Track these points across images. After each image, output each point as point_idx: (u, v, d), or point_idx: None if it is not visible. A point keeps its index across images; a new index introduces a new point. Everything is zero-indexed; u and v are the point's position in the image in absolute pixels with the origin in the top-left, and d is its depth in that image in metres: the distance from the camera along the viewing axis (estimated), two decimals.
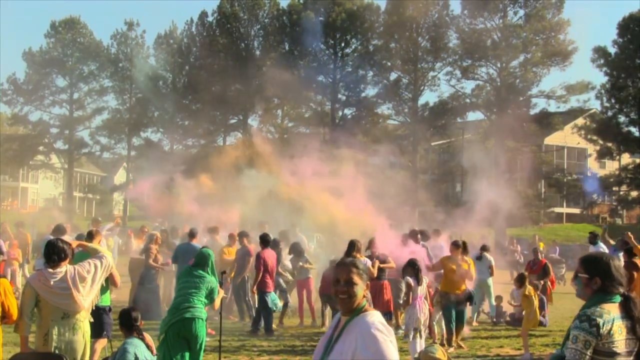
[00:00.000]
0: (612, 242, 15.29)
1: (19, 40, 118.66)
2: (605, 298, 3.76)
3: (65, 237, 13.86)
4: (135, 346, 6.37)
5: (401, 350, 9.25)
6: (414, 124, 45.71)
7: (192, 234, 13.39)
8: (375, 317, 3.52)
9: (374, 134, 46.77)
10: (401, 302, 11.19)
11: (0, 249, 14.99)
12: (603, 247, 14.26)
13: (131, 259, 15.38)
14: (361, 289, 3.58)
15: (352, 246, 10.96)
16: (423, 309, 9.96)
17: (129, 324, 6.60)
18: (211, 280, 7.62)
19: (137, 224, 23.55)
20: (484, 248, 14.72)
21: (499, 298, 14.55)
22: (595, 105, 46.44)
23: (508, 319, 14.05)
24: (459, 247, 11.38)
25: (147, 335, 6.71)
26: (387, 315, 11.42)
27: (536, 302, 11.13)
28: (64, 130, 53.27)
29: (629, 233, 12.93)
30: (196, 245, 12.60)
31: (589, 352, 3.66)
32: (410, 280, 10.10)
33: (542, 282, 14.33)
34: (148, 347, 6.55)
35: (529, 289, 11.16)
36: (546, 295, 14.58)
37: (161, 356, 7.13)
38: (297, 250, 13.92)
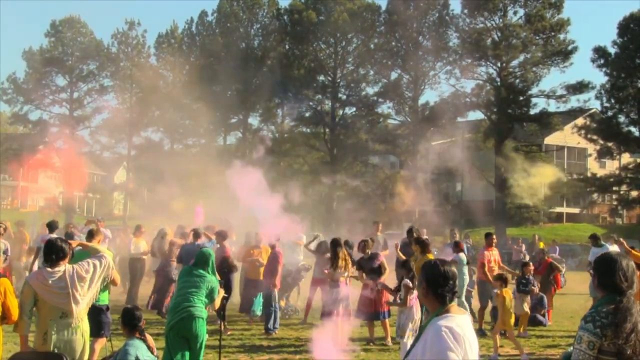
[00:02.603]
0: None
1: (19, 39, 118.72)
2: (614, 298, 3.72)
3: (57, 234, 14.00)
4: (137, 348, 6.34)
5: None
6: (414, 123, 45.72)
7: (196, 234, 13.34)
8: (446, 321, 3.43)
9: (374, 133, 46.85)
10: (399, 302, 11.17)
11: (6, 250, 14.92)
12: (608, 247, 14.00)
13: (130, 259, 15.38)
14: (416, 291, 3.61)
15: (336, 244, 11.12)
16: (418, 309, 9.97)
17: (132, 323, 6.57)
18: (211, 280, 7.61)
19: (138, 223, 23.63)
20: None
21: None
22: (595, 105, 46.53)
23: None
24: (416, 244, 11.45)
25: (148, 336, 6.69)
26: (383, 314, 11.47)
27: (509, 303, 11.01)
28: (64, 130, 53.24)
29: (621, 239, 13.02)
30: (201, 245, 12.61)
31: (593, 353, 3.63)
32: (409, 282, 10.13)
33: (538, 284, 14.22)
34: (149, 348, 6.52)
35: (504, 289, 11.10)
36: (549, 295, 14.53)
37: (163, 356, 7.12)
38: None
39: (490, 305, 12.91)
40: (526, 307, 12.66)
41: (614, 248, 13.97)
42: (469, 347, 3.44)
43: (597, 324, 3.64)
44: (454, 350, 3.35)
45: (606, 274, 3.78)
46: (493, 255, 13.27)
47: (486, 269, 12.91)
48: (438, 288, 3.53)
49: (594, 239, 14.59)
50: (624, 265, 3.77)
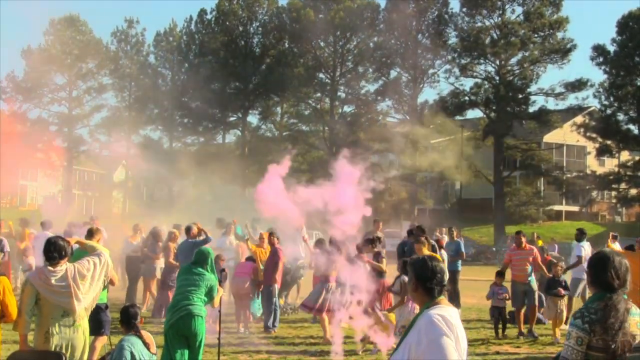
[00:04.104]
0: None
1: (18, 38, 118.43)
2: (605, 295, 3.73)
3: (52, 232, 13.97)
4: (132, 344, 6.37)
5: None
6: (413, 122, 45.76)
7: (188, 231, 13.28)
8: (438, 310, 3.51)
9: (373, 131, 46.87)
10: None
11: (4, 248, 14.91)
12: (584, 246, 13.81)
13: (127, 257, 15.31)
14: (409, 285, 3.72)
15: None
16: (415, 308, 9.96)
17: (128, 321, 6.61)
18: (211, 278, 7.61)
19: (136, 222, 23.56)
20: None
21: None
22: (594, 103, 46.52)
23: (508, 316, 14.00)
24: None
25: (146, 333, 6.70)
26: None
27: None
28: (63, 128, 53.21)
29: (612, 233, 13.02)
30: (197, 242, 12.52)
31: (581, 349, 3.67)
32: (406, 279, 10.11)
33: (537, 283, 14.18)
34: (146, 345, 6.54)
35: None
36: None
37: (162, 355, 7.13)
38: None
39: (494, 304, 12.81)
40: (561, 310, 12.05)
41: (614, 246, 13.91)
42: (461, 337, 3.52)
43: (586, 320, 3.68)
44: (449, 336, 3.43)
45: (600, 271, 3.80)
46: (522, 255, 12.42)
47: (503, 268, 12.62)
48: (427, 282, 3.62)
49: (580, 234, 14.11)
50: (617, 263, 3.79)
